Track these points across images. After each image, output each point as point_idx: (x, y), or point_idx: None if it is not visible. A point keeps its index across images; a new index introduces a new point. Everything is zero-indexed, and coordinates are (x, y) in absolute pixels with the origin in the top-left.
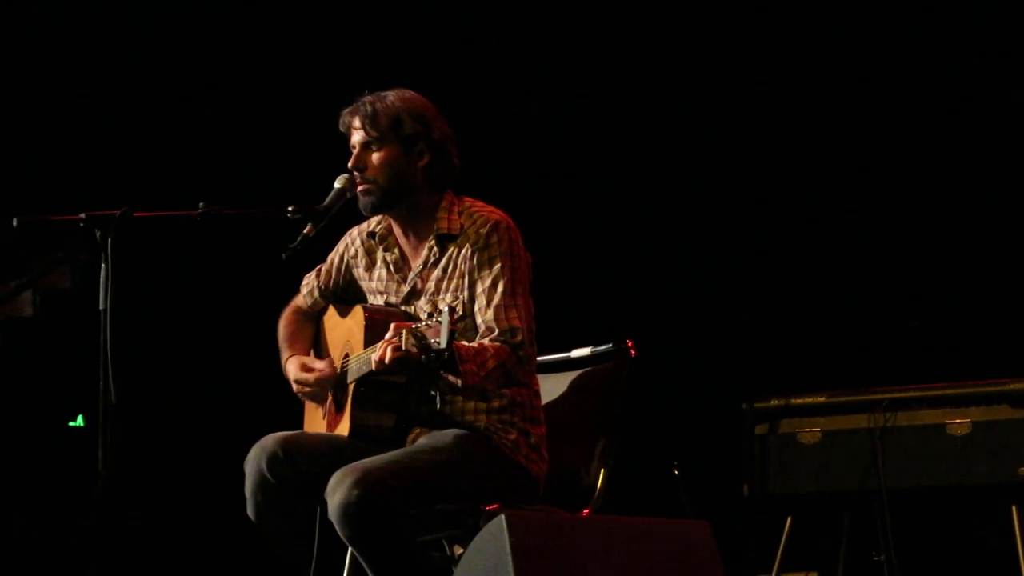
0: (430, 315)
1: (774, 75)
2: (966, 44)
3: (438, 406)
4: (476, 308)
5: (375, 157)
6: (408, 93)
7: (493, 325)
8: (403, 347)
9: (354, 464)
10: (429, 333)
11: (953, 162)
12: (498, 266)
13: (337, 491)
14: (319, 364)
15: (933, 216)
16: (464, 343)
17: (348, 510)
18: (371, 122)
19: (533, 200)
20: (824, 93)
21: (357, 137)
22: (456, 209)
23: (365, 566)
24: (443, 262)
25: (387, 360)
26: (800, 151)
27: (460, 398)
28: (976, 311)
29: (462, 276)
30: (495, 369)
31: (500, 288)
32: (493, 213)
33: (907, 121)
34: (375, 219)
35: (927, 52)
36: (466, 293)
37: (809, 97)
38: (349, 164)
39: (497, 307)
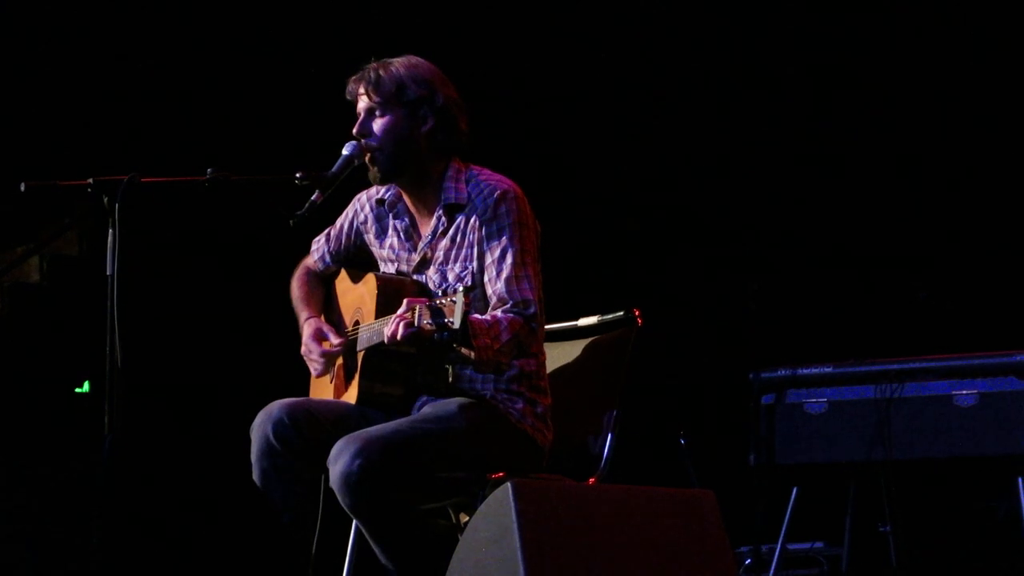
0: (444, 291)
1: (785, 40)
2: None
3: (451, 380)
4: (486, 279)
5: (378, 123)
6: (414, 59)
7: (506, 296)
8: (416, 323)
9: (357, 433)
10: (443, 311)
11: (963, 133)
12: (507, 236)
13: (339, 460)
14: (332, 337)
15: (943, 186)
16: (477, 316)
17: (349, 479)
18: (375, 88)
19: (542, 168)
20: (834, 57)
21: (362, 104)
22: (463, 177)
23: (367, 535)
24: (451, 232)
25: (399, 337)
26: (810, 119)
27: (468, 368)
28: (984, 282)
29: (471, 246)
30: (509, 342)
31: (510, 259)
32: (501, 182)
33: (920, 90)
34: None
35: (953, 20)
36: (475, 263)
37: (814, 62)
38: (354, 130)
39: (508, 279)
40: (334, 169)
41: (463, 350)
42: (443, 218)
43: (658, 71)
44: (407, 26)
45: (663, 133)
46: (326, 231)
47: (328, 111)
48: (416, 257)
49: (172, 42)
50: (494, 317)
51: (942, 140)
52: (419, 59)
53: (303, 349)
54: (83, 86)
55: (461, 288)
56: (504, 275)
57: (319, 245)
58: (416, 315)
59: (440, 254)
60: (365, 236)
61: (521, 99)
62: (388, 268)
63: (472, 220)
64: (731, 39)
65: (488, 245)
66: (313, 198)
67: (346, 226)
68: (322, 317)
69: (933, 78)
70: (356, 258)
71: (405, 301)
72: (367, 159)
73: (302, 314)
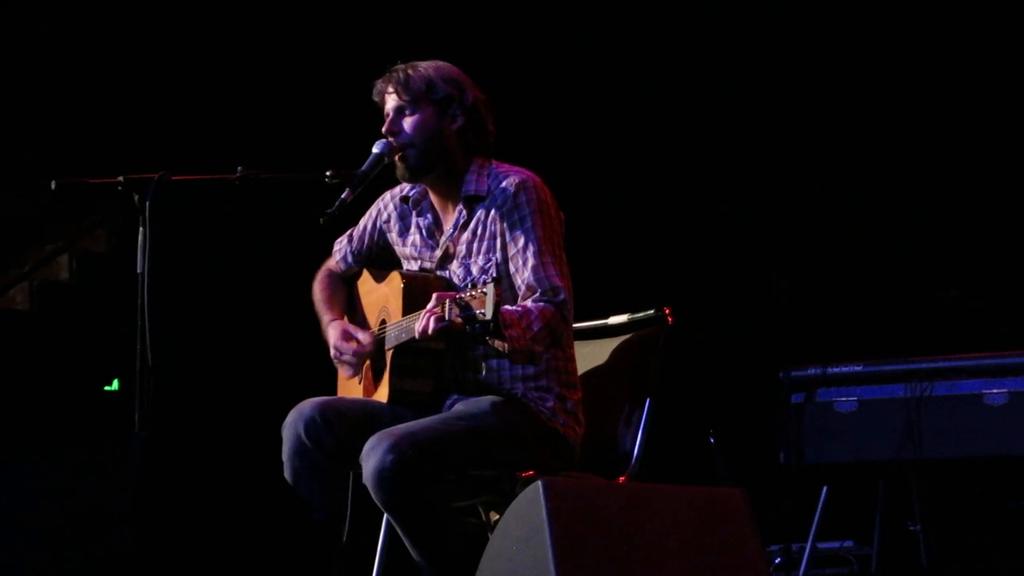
0: (473, 284)
1: (814, 39)
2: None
3: (483, 373)
4: (512, 270)
5: (409, 121)
6: (440, 62)
7: (534, 285)
8: (447, 317)
9: (390, 429)
10: (473, 303)
11: (996, 131)
12: (529, 224)
13: (372, 456)
14: (361, 336)
15: (973, 185)
16: (508, 307)
17: (382, 475)
18: (404, 87)
19: (571, 164)
20: (861, 56)
21: (391, 103)
22: (484, 171)
23: (399, 532)
24: (472, 224)
25: (431, 331)
26: (841, 118)
27: (496, 363)
28: (1014, 281)
29: (492, 238)
30: (541, 331)
31: (534, 247)
32: (520, 173)
33: (952, 86)
34: (409, 184)
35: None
36: (499, 255)
37: (847, 61)
38: (383, 130)
39: (535, 267)
40: (364, 167)
41: (495, 342)
42: (463, 211)
43: (689, 66)
44: (432, 26)
45: (694, 130)
46: (348, 232)
47: (356, 110)
48: (438, 252)
49: (204, 39)
50: (524, 307)
51: (975, 138)
52: (444, 62)
53: (332, 352)
54: (111, 85)
55: (491, 281)
56: (530, 264)
57: (341, 246)
58: (446, 309)
59: (462, 248)
60: (388, 235)
61: (550, 94)
62: (411, 266)
63: (492, 212)
64: (772, 32)
65: (511, 235)
66: (343, 196)
67: (369, 226)
68: (345, 319)
69: (969, 75)
70: (379, 258)
71: (434, 296)
72: (397, 157)
73: (325, 316)
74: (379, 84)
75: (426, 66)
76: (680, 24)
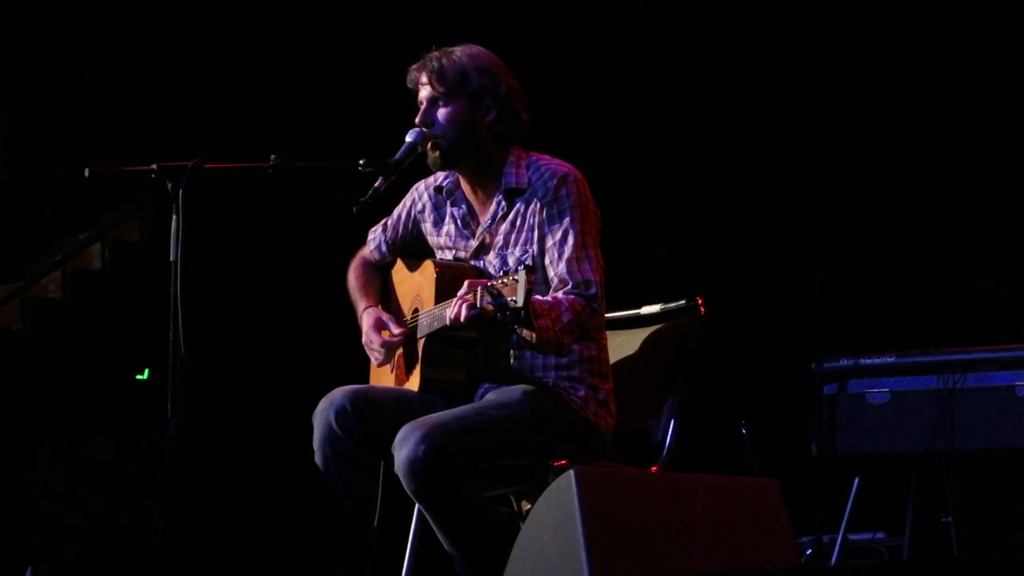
0: (505, 272)
1: (858, 28)
2: None
3: (512, 361)
4: (547, 261)
5: (443, 113)
6: (475, 48)
7: (567, 278)
8: (478, 304)
9: (422, 419)
10: (505, 291)
11: None
12: (568, 219)
13: (404, 446)
14: (392, 326)
15: (1007, 175)
16: (538, 297)
17: (415, 465)
18: (438, 78)
19: (604, 155)
20: (902, 45)
21: (424, 93)
22: (523, 163)
23: (431, 522)
24: (511, 216)
25: (462, 318)
26: (875, 108)
27: (529, 353)
28: None
29: (531, 229)
30: (570, 323)
31: (571, 241)
32: (561, 166)
33: (983, 76)
34: (442, 173)
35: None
36: (536, 247)
37: (882, 51)
38: (417, 120)
39: (569, 260)
40: (397, 156)
41: (524, 331)
42: (503, 203)
43: (720, 58)
44: (465, 13)
45: (725, 121)
46: (382, 221)
47: (389, 98)
48: (474, 243)
49: (237, 28)
50: (555, 298)
51: (1010, 127)
52: (479, 47)
53: (364, 339)
54: (144, 75)
55: (523, 267)
56: (565, 257)
57: (375, 235)
58: (478, 296)
59: (500, 239)
60: (422, 225)
61: (584, 85)
62: (445, 256)
63: (533, 204)
64: (803, 28)
65: (549, 228)
66: (376, 185)
67: (403, 215)
68: (380, 307)
69: (1009, 64)
70: (412, 248)
71: (466, 283)
72: (429, 146)
73: (360, 304)
74: (413, 72)
75: (461, 54)
76: (720, 12)
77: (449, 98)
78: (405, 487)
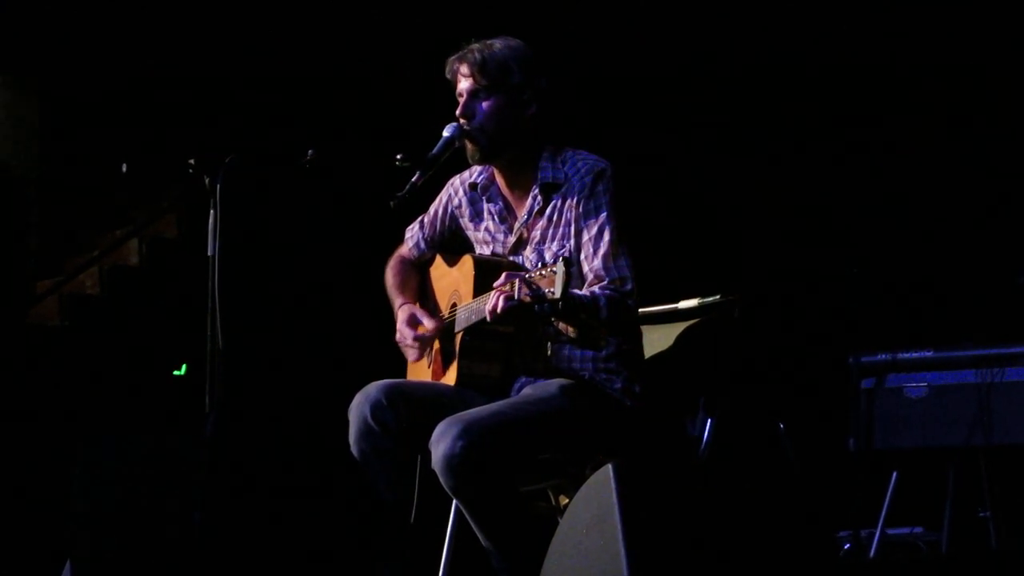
0: (543, 264)
1: (911, 28)
2: None
3: (549, 354)
4: (583, 256)
5: (483, 106)
6: (514, 41)
7: (603, 273)
8: (516, 296)
9: (459, 415)
10: (542, 283)
11: None
12: (604, 214)
13: (441, 442)
14: (426, 321)
15: None
16: (576, 292)
17: (452, 461)
18: (479, 70)
19: (643, 150)
20: (943, 49)
21: (465, 85)
22: (559, 158)
23: (468, 517)
24: (548, 211)
25: (500, 310)
26: (916, 103)
27: (567, 347)
28: None
29: (568, 224)
30: (607, 318)
31: (607, 236)
32: (598, 161)
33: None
34: (476, 169)
35: None
36: (572, 241)
37: (923, 53)
38: (457, 112)
39: (605, 255)
40: (435, 151)
41: (561, 325)
42: (539, 197)
43: (758, 55)
44: (499, 7)
45: (764, 117)
46: (419, 218)
47: (424, 94)
48: (512, 238)
49: (274, 25)
50: (592, 293)
51: None
52: (518, 40)
53: (397, 335)
54: (181, 72)
55: (562, 260)
56: (601, 252)
57: (413, 232)
58: (516, 288)
59: (537, 234)
60: (460, 220)
61: (621, 78)
62: (484, 251)
63: (569, 199)
64: (850, 28)
65: (585, 222)
66: (414, 179)
67: (440, 211)
68: (417, 304)
69: None
70: (451, 244)
71: (504, 275)
72: (467, 139)
73: (396, 300)
74: (453, 63)
75: (501, 46)
76: (757, 6)
77: (490, 91)
78: (442, 483)
